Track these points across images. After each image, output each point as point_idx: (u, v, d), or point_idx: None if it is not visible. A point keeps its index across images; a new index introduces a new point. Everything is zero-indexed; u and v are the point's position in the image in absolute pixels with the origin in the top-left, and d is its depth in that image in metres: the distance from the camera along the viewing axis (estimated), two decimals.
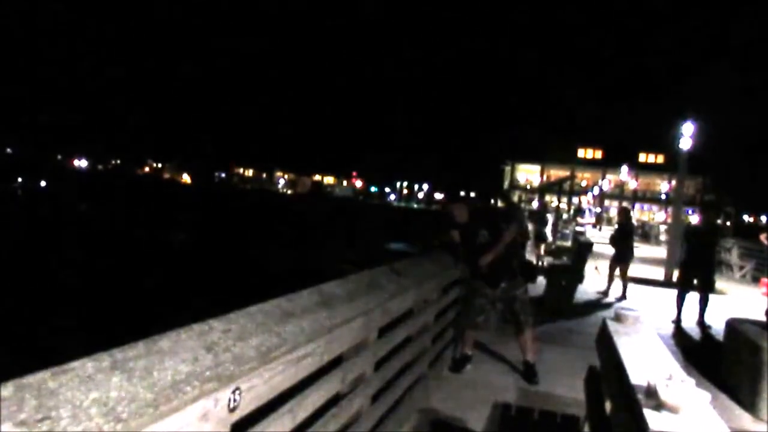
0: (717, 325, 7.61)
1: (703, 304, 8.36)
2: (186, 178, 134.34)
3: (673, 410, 1.49)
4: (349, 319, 2.58)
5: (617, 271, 10.72)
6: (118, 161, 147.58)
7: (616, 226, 13.48)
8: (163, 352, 1.41)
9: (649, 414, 1.49)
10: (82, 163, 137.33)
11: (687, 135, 14.46)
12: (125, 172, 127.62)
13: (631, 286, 10.74)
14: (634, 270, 11.58)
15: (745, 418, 4.73)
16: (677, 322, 8.36)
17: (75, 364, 1.18)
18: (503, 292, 4.91)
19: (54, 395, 1.06)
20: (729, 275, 17.23)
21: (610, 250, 11.07)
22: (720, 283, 14.40)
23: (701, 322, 8.31)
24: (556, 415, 3.86)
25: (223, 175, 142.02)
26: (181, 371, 1.38)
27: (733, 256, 18.03)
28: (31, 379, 1.07)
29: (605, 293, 10.50)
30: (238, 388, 1.56)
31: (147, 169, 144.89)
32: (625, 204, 53.00)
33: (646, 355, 2.13)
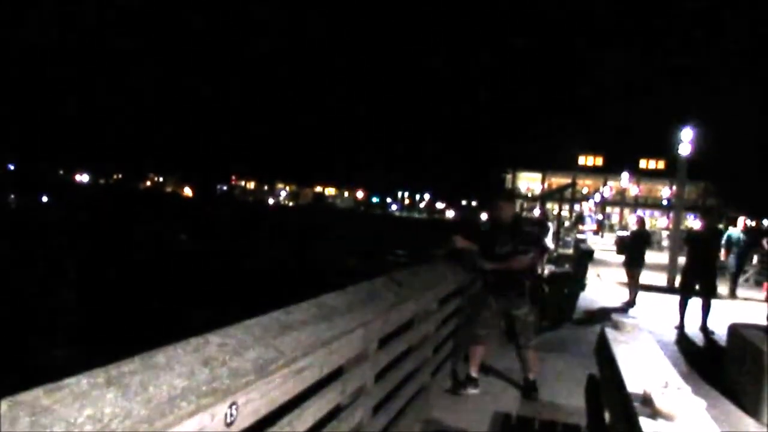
0: (720, 331, 7.59)
1: (706, 309, 8.35)
2: (187, 191, 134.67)
3: (668, 418, 1.49)
4: (348, 331, 2.58)
5: (628, 277, 10.81)
6: (120, 175, 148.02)
7: (627, 233, 13.55)
8: (159, 367, 1.42)
9: (644, 422, 1.49)
10: (83, 177, 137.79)
11: (686, 140, 14.48)
12: (128, 186, 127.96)
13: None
14: None
15: (748, 423, 4.71)
16: (680, 327, 8.34)
17: (70, 380, 1.18)
18: (506, 308, 4.77)
19: (48, 412, 1.07)
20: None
21: (613, 257, 11.07)
22: (722, 288, 14.36)
23: (704, 328, 8.29)
24: (557, 425, 3.85)
25: (225, 187, 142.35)
26: (177, 386, 1.38)
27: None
28: (25, 396, 1.08)
29: (631, 303, 10.46)
30: (234, 403, 1.56)
31: (149, 182, 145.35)
32: (626, 210, 53.11)
33: (644, 363, 2.13)
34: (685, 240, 10.05)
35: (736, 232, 12.64)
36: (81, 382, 1.20)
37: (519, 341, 4.76)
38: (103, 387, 1.22)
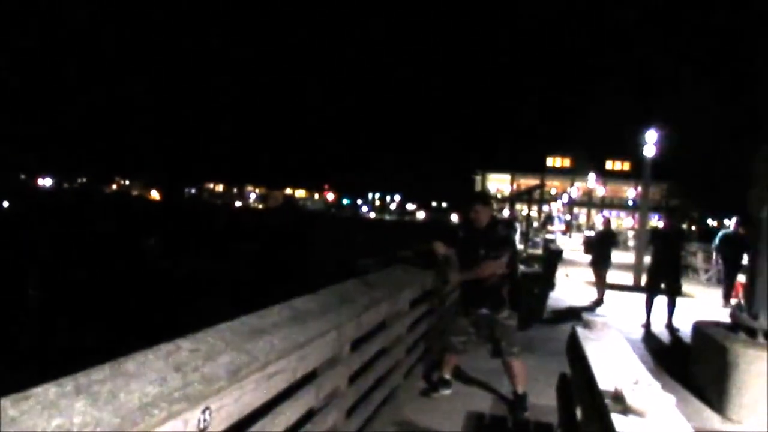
0: (685, 328, 7.77)
1: (671, 307, 8.54)
2: (155, 194, 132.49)
3: (639, 414, 1.52)
4: (321, 334, 2.57)
5: (595, 276, 10.99)
6: (84, 179, 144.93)
7: (593, 233, 13.71)
8: (130, 375, 1.39)
9: (616, 419, 1.52)
10: (46, 182, 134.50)
11: (651, 142, 14.79)
12: (93, 190, 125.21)
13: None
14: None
15: (713, 419, 4.82)
16: (647, 326, 8.52)
17: (37, 389, 1.15)
18: (485, 317, 4.60)
19: (14, 423, 1.03)
20: (695, 278, 17.60)
21: (580, 257, 11.23)
22: (686, 287, 14.65)
23: (669, 326, 8.47)
24: (530, 424, 3.89)
25: (194, 190, 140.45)
26: (149, 393, 1.36)
27: (699, 260, 18.43)
28: None
29: (599, 302, 10.61)
30: (207, 408, 1.54)
31: (114, 186, 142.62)
32: (593, 211, 54.06)
33: (614, 361, 2.16)
34: (650, 237, 10.25)
35: (730, 231, 11.99)
36: (49, 391, 1.16)
37: (501, 346, 4.56)
38: (72, 396, 1.19)
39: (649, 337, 8.10)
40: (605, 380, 1.80)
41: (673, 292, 8.62)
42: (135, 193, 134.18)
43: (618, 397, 1.58)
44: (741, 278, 11.13)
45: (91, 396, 1.22)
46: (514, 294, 4.67)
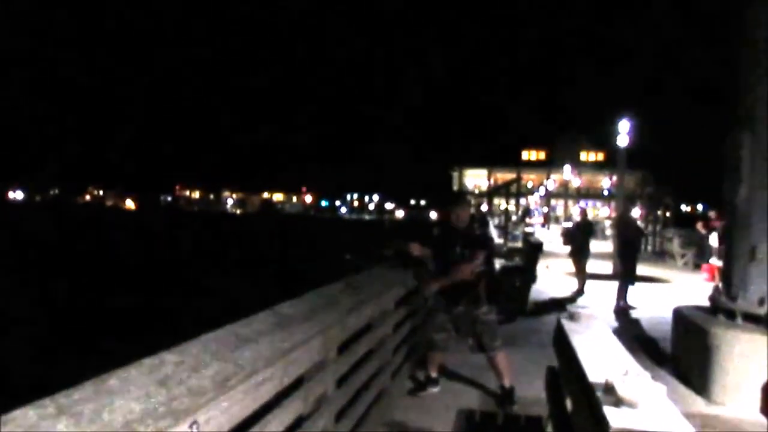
0: (665, 313, 7.88)
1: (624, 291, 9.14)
2: (129, 204, 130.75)
3: (631, 405, 1.52)
4: (307, 339, 2.53)
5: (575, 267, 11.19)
6: (57, 191, 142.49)
7: (571, 224, 13.98)
8: (113, 392, 1.35)
9: (608, 410, 1.52)
10: (17, 194, 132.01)
11: (624, 132, 14.99)
12: (65, 202, 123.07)
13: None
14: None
15: (698, 402, 4.89)
16: (624, 310, 8.87)
17: (16, 413, 1.11)
18: (464, 314, 4.62)
19: None
20: (671, 264, 17.90)
21: (560, 248, 11.36)
22: (664, 272, 14.92)
23: (624, 307, 9.03)
24: (520, 417, 3.89)
25: (170, 198, 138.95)
26: (134, 410, 1.32)
27: (674, 245, 18.75)
28: None
29: (580, 292, 10.76)
30: (195, 422, 1.50)
31: (88, 197, 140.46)
32: (570, 202, 54.62)
33: (602, 352, 2.17)
34: (618, 224, 10.84)
35: None
36: (28, 413, 1.12)
37: (482, 341, 4.58)
38: (54, 417, 1.15)
39: (630, 324, 8.23)
40: (595, 372, 1.81)
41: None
42: (109, 203, 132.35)
43: (609, 389, 1.58)
44: (716, 262, 11.37)
45: (74, 416, 1.18)
46: (491, 289, 4.68)
